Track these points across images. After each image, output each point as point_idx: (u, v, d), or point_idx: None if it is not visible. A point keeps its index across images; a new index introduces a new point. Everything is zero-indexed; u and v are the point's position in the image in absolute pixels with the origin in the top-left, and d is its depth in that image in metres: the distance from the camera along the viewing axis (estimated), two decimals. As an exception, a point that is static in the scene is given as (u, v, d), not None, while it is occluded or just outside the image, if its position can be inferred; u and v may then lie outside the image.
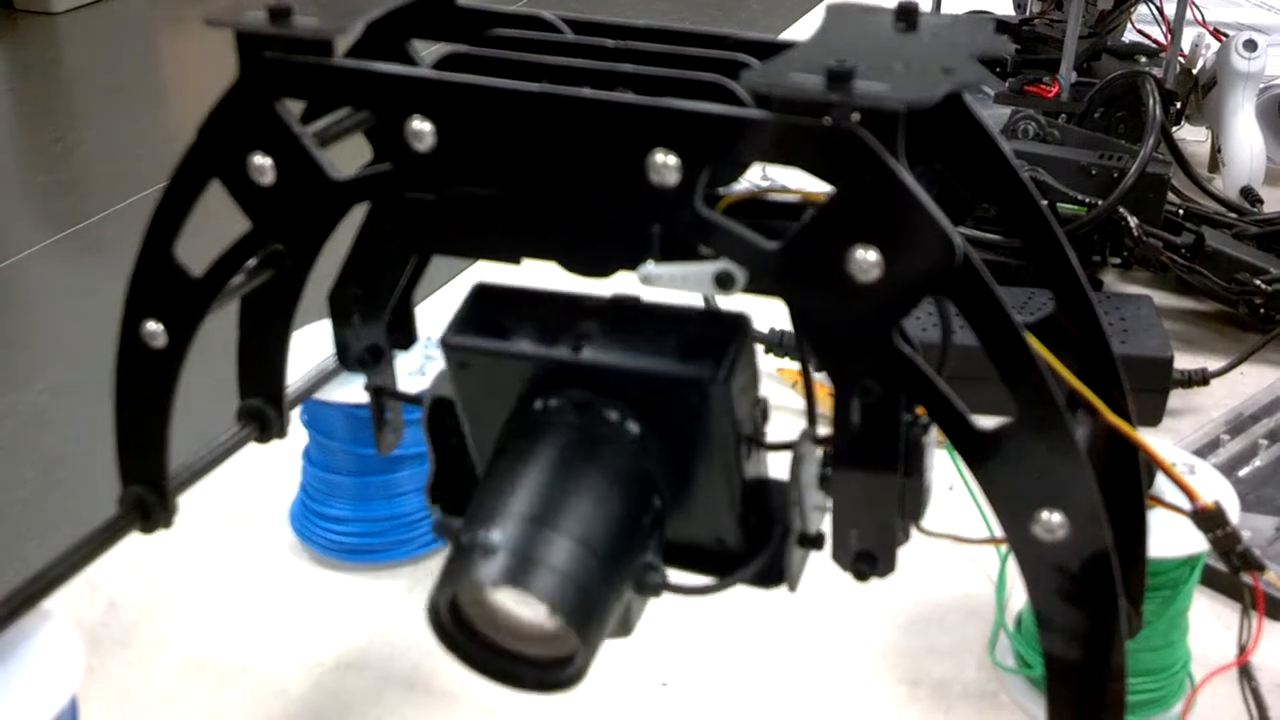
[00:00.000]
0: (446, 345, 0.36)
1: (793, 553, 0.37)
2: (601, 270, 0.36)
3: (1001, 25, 1.01)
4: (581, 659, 0.33)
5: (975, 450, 0.32)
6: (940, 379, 0.32)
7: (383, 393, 0.45)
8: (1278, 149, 0.98)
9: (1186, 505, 0.40)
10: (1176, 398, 0.68)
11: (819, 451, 0.37)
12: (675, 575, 0.36)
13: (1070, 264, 0.38)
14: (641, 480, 0.35)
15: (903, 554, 0.45)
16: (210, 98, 0.37)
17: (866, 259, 0.31)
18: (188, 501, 0.45)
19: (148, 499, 0.44)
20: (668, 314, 0.35)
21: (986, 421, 0.32)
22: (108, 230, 2.58)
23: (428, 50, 0.41)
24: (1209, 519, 0.39)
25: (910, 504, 0.36)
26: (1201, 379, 0.68)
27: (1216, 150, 0.96)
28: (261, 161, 0.36)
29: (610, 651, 0.43)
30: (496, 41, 0.37)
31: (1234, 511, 0.46)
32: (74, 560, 0.43)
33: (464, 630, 0.34)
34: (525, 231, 0.36)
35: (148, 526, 0.44)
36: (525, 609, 0.33)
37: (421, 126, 0.34)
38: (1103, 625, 0.34)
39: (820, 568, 0.48)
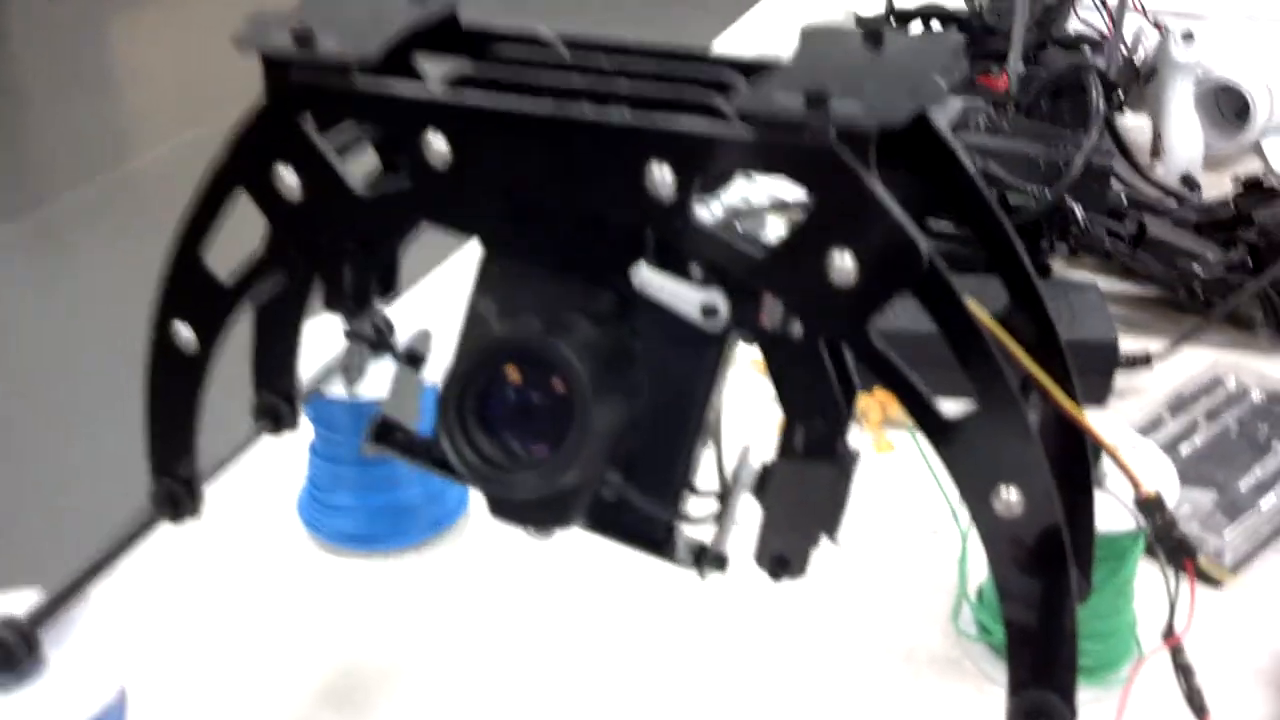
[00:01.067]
0: None
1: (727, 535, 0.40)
2: (599, 270, 0.39)
3: (949, 18, 1.05)
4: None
5: (940, 435, 0.36)
6: (910, 370, 0.36)
7: (356, 336, 0.48)
8: (1215, 136, 1.02)
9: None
10: (1122, 378, 0.72)
11: (754, 464, 0.40)
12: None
13: (1022, 263, 0.41)
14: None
15: (871, 533, 0.49)
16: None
17: (843, 265, 0.35)
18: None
19: (177, 491, 0.47)
20: None
21: (949, 406, 0.36)
22: (60, 220, 2.58)
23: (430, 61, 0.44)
24: (1150, 506, 0.43)
25: (827, 522, 0.40)
26: (1145, 360, 0.73)
27: (1157, 137, 1.00)
28: (287, 175, 0.39)
29: (595, 616, 0.46)
30: (500, 60, 0.40)
31: (1174, 490, 0.51)
32: (113, 551, 0.46)
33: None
34: (531, 229, 0.39)
35: (178, 517, 0.47)
36: None
37: (438, 144, 0.37)
38: (1056, 592, 0.38)
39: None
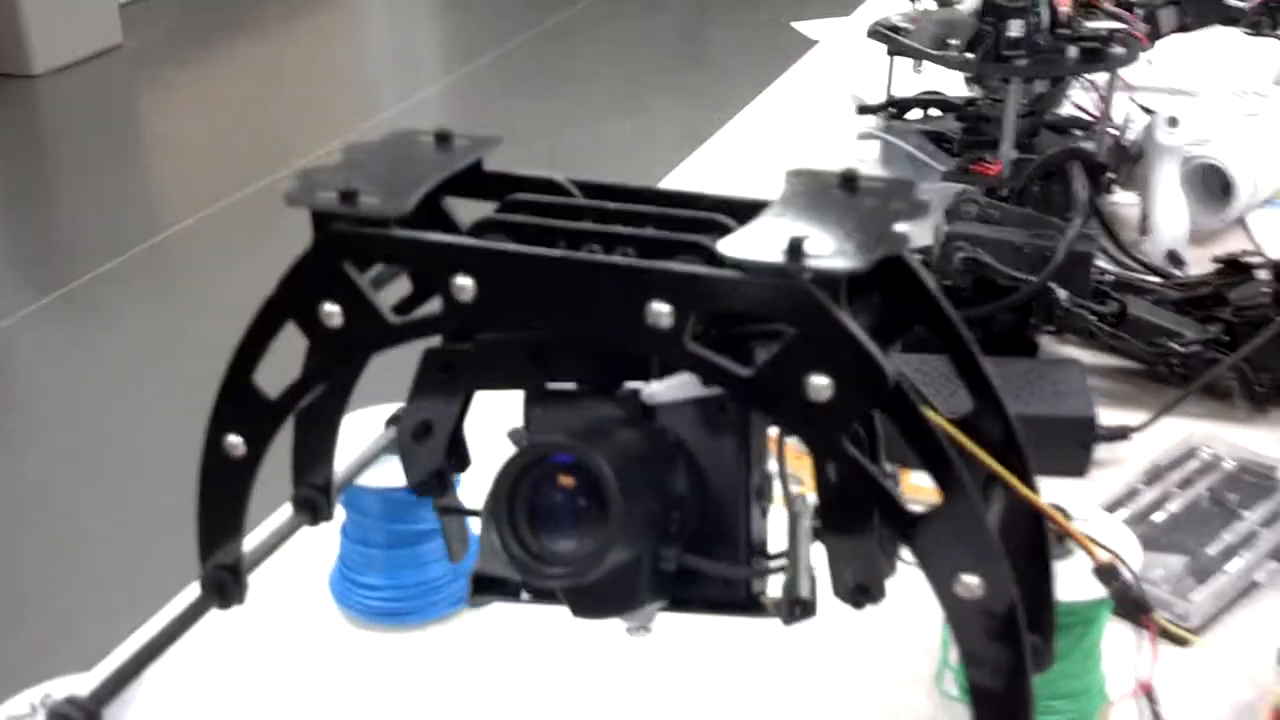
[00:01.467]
0: None
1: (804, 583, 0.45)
2: (610, 389, 0.45)
3: (946, 106, 1.11)
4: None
5: (907, 529, 0.41)
6: (880, 475, 0.41)
7: (449, 510, 0.54)
8: (1202, 212, 1.07)
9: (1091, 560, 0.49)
10: (1102, 450, 0.77)
11: (811, 509, 0.45)
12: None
13: (984, 372, 0.46)
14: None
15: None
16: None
17: (820, 384, 0.40)
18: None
19: (225, 580, 0.52)
20: None
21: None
22: (94, 292, 2.66)
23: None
24: (1106, 573, 0.48)
25: (891, 542, 0.45)
26: (1123, 434, 0.77)
27: (1144, 216, 1.05)
28: (331, 309, 0.45)
29: (607, 683, 0.51)
30: (519, 206, 0.46)
31: (1136, 556, 0.55)
32: (167, 635, 0.51)
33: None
34: (548, 363, 0.45)
35: (225, 604, 0.53)
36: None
37: (464, 283, 0.43)
38: (1015, 660, 0.43)
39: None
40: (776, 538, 0.47)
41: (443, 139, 0.48)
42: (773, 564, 0.46)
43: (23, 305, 2.63)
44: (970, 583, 0.41)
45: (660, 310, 0.41)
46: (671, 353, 0.42)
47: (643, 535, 0.43)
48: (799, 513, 0.45)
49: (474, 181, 0.48)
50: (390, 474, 0.61)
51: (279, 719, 0.60)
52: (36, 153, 3.57)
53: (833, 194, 0.44)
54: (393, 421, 0.63)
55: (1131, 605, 0.49)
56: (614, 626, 0.62)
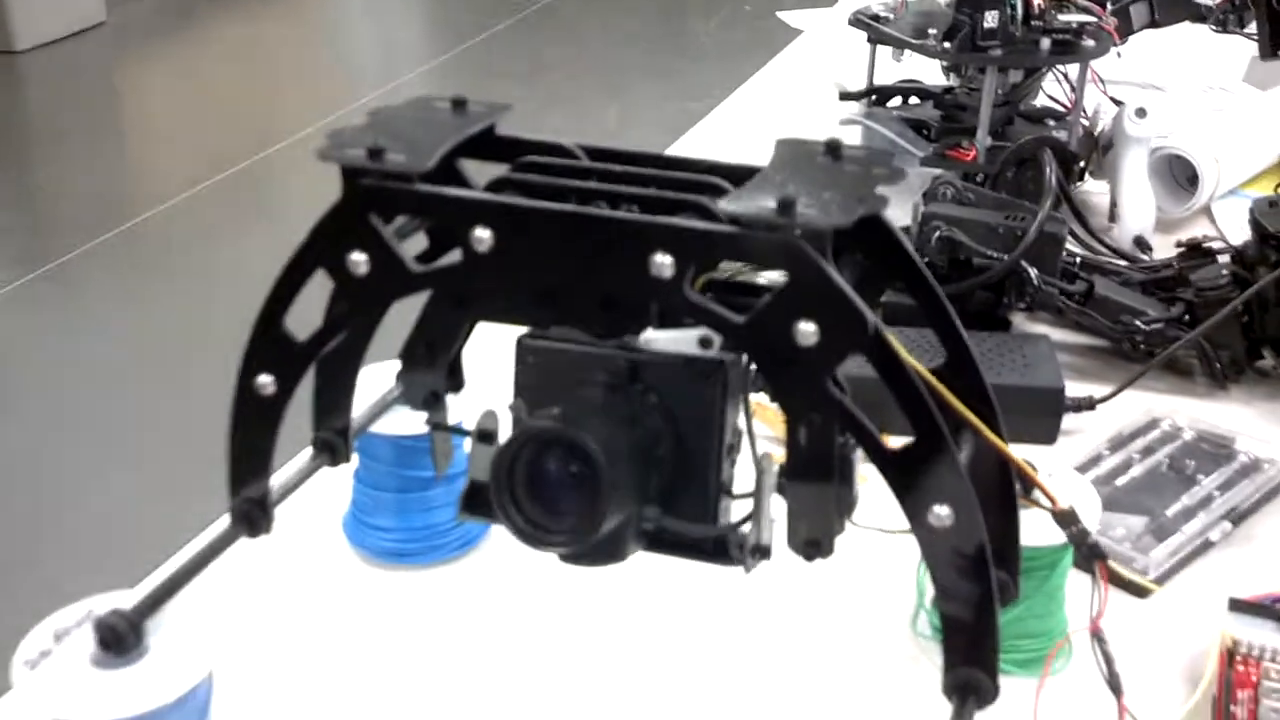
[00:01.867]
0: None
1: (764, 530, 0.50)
2: (613, 336, 0.49)
3: (925, 94, 1.16)
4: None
5: (885, 463, 0.45)
6: (860, 412, 0.45)
7: (439, 427, 0.58)
8: (1169, 201, 1.12)
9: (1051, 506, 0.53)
10: (1070, 420, 0.81)
11: (776, 466, 0.49)
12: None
13: (956, 327, 0.51)
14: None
15: (840, 548, 0.59)
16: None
17: (807, 330, 0.44)
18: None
19: (253, 512, 0.56)
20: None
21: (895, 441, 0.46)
22: (76, 270, 2.68)
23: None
24: (1065, 518, 0.53)
25: (844, 503, 0.49)
26: (1089, 404, 0.82)
27: (1114, 204, 1.10)
28: (358, 258, 0.49)
29: (600, 622, 0.55)
30: (532, 167, 0.50)
31: (1094, 510, 0.60)
32: (199, 560, 0.55)
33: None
34: (556, 307, 0.48)
35: (253, 533, 0.56)
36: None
37: (483, 234, 0.47)
38: (982, 591, 0.47)
39: (770, 568, 0.62)
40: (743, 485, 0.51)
41: (459, 105, 0.52)
42: (738, 521, 0.50)
43: (3, 283, 2.65)
44: (941, 513, 0.46)
45: (663, 262, 0.45)
46: (673, 301, 0.46)
47: (629, 502, 0.47)
48: (764, 470, 0.49)
49: (488, 145, 0.52)
50: (402, 423, 0.65)
51: (296, 643, 0.64)
52: (18, 129, 3.58)
53: (818, 160, 0.48)
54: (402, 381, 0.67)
55: (1086, 550, 0.53)
56: (603, 596, 0.66)
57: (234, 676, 0.61)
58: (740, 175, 0.48)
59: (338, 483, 0.71)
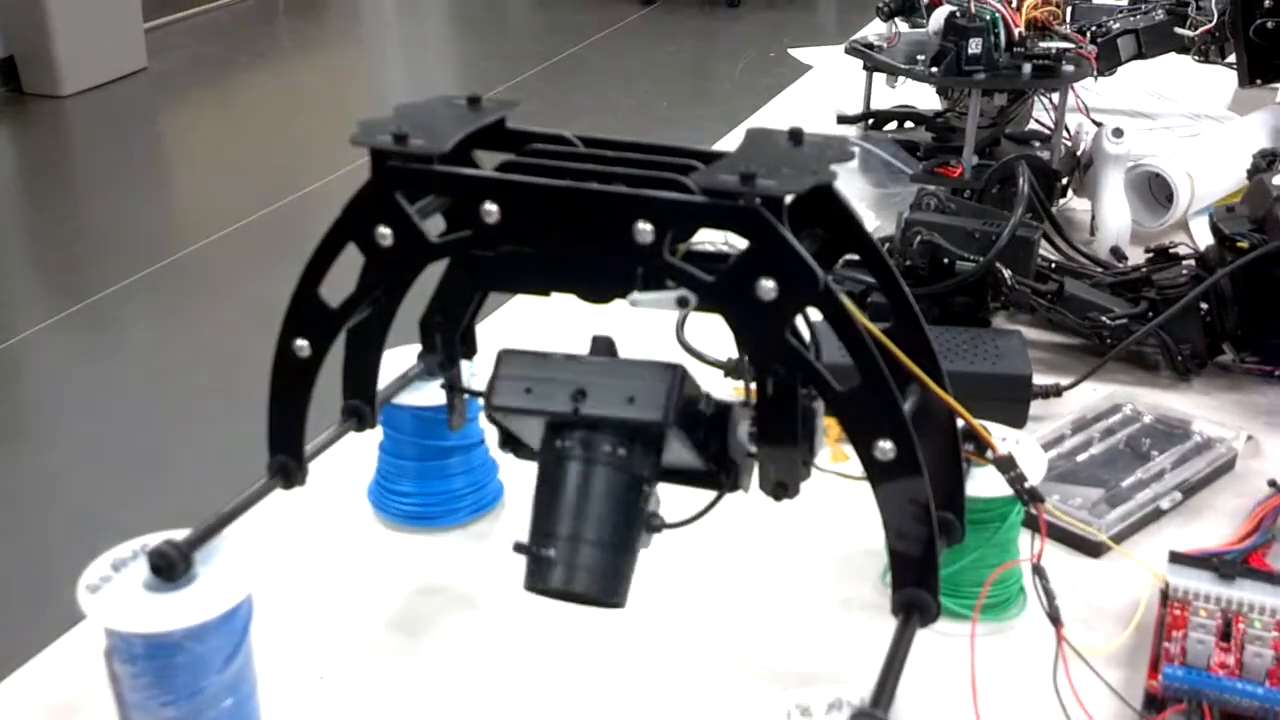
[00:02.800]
0: (491, 408, 0.56)
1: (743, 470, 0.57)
2: (604, 299, 0.56)
3: (918, 118, 1.24)
4: (619, 599, 0.55)
5: (836, 402, 0.52)
6: (815, 360, 0.53)
7: (454, 388, 0.65)
8: (1145, 214, 1.19)
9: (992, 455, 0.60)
10: (1038, 407, 0.88)
11: (747, 417, 0.57)
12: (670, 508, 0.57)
13: (902, 288, 0.58)
14: (633, 481, 0.55)
15: (816, 506, 0.66)
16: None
17: (767, 286, 0.51)
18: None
19: (289, 465, 0.63)
20: (631, 369, 0.55)
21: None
22: (117, 304, 2.78)
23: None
24: (1004, 463, 0.59)
25: (807, 447, 0.56)
26: (1056, 392, 0.89)
27: (1094, 218, 1.17)
28: (384, 231, 0.56)
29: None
30: (535, 152, 0.58)
31: (1040, 469, 0.66)
32: (244, 504, 0.62)
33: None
34: (554, 273, 0.56)
35: (288, 485, 0.64)
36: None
37: (490, 208, 0.54)
38: (924, 519, 0.54)
39: (761, 526, 0.69)
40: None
41: (474, 101, 0.60)
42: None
43: (48, 315, 2.75)
44: (885, 447, 0.53)
45: (644, 229, 0.52)
46: (653, 263, 0.53)
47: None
48: (737, 420, 0.56)
49: (498, 136, 0.60)
50: (423, 395, 0.72)
51: (323, 595, 0.71)
52: (63, 170, 3.71)
53: (782, 145, 0.55)
54: (424, 355, 0.74)
55: (1025, 493, 0.60)
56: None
57: (270, 614, 0.68)
58: (713, 158, 0.56)
59: (364, 460, 0.78)
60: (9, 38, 4.00)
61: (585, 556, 0.54)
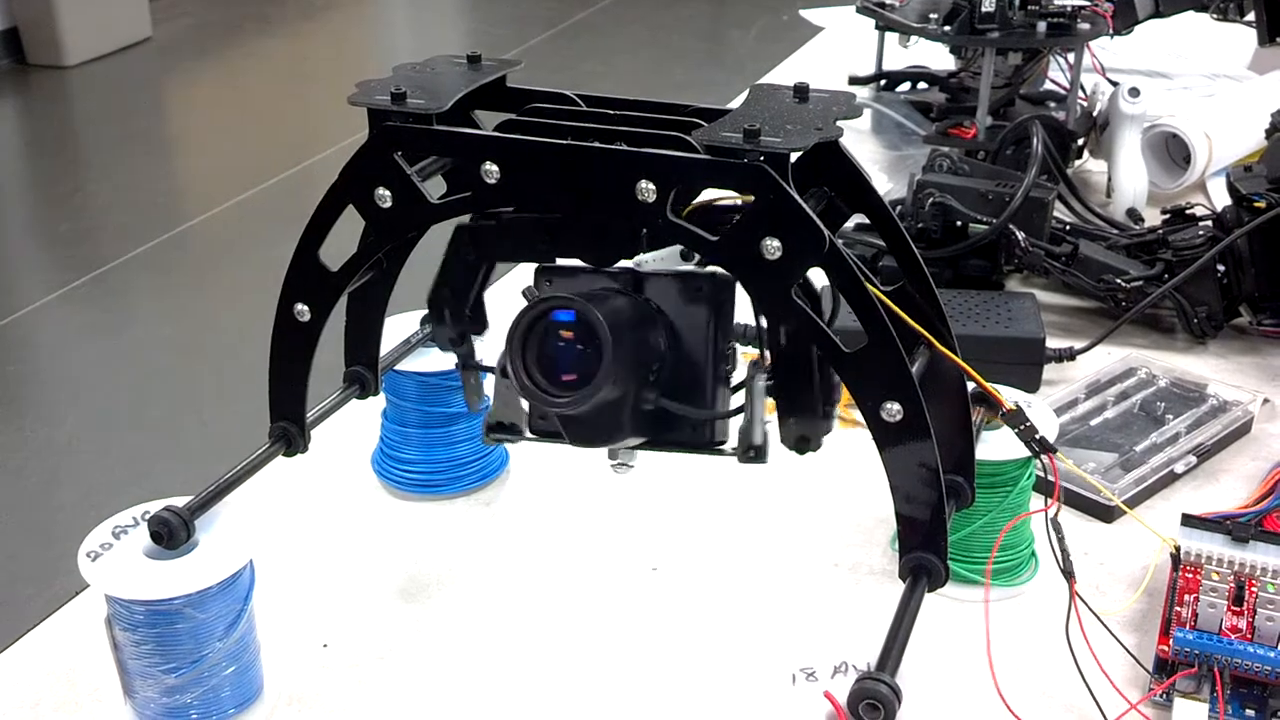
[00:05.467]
0: (548, 300, 0.54)
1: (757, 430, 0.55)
2: (608, 262, 0.55)
3: (931, 79, 1.22)
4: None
5: (843, 364, 0.51)
6: (821, 321, 0.51)
7: (468, 365, 0.64)
8: (1162, 176, 1.17)
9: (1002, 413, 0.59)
10: (1051, 370, 0.87)
11: (763, 375, 0.55)
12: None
13: (911, 249, 0.57)
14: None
15: (825, 473, 0.64)
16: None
17: (772, 245, 0.50)
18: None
19: (291, 431, 0.62)
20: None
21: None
22: (123, 276, 2.77)
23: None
24: (1013, 417, 0.58)
25: (826, 398, 0.55)
26: (1070, 355, 0.87)
27: (1110, 180, 1.15)
28: (383, 192, 0.55)
29: (606, 541, 0.61)
30: (535, 111, 0.56)
31: (1051, 431, 0.65)
32: (244, 471, 0.61)
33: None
34: (558, 238, 0.55)
35: (290, 452, 0.63)
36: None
37: (491, 168, 0.53)
38: (932, 481, 0.53)
39: (769, 492, 0.68)
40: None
41: (474, 60, 0.59)
42: (732, 410, 0.56)
43: (56, 287, 2.75)
44: (892, 409, 0.52)
45: (647, 187, 0.51)
46: (656, 223, 0.52)
47: (628, 378, 0.53)
48: (754, 375, 0.55)
49: (499, 95, 0.59)
50: (426, 361, 0.71)
51: (328, 564, 0.70)
52: (68, 142, 3.70)
53: (787, 101, 0.54)
54: (426, 320, 0.73)
55: (1035, 446, 0.59)
56: (608, 519, 0.72)
57: (273, 582, 0.67)
58: (717, 116, 0.54)
59: (368, 428, 0.77)
60: (12, 9, 3.98)
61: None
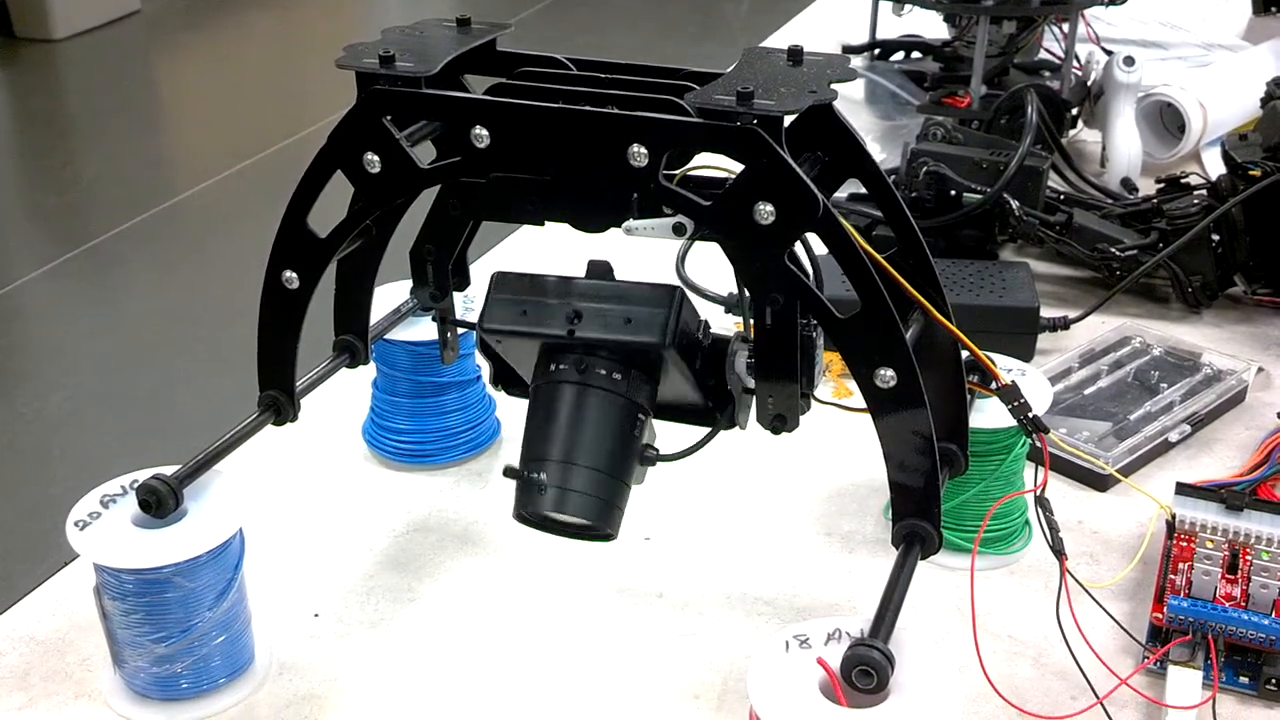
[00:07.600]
0: (484, 330, 0.54)
1: (740, 406, 0.55)
2: (598, 227, 0.54)
3: (925, 48, 1.22)
4: (612, 529, 0.54)
5: (837, 330, 0.51)
6: (814, 288, 0.51)
7: (446, 320, 0.64)
8: (1157, 146, 1.17)
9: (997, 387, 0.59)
10: (1045, 340, 0.86)
11: (745, 349, 0.55)
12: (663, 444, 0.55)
13: (906, 213, 0.56)
14: (629, 408, 0.54)
15: (819, 442, 0.64)
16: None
17: (765, 210, 0.50)
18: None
19: (280, 400, 0.62)
20: (629, 291, 0.53)
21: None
22: (115, 248, 2.76)
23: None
24: (1008, 393, 0.58)
25: (806, 380, 0.55)
26: (1064, 324, 0.87)
27: (1104, 149, 1.15)
28: (372, 157, 0.55)
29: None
30: (526, 75, 0.56)
31: (1045, 400, 0.65)
32: (231, 439, 0.61)
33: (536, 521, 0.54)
34: (547, 201, 0.54)
35: (279, 421, 0.63)
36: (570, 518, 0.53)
37: (481, 132, 0.53)
38: (926, 448, 0.53)
39: (764, 461, 0.68)
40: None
41: (463, 23, 0.58)
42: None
43: (45, 261, 2.73)
44: (886, 375, 0.51)
45: (639, 151, 0.51)
46: (647, 188, 0.51)
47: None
48: (735, 351, 0.55)
49: (489, 59, 0.58)
50: (417, 331, 0.71)
51: (320, 535, 0.70)
52: (58, 115, 3.67)
53: (780, 65, 0.53)
54: (415, 288, 0.73)
55: (1028, 423, 0.58)
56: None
57: (264, 551, 0.67)
58: (710, 80, 0.54)
59: (358, 397, 0.77)
60: (-2, -19, 3.94)
61: (578, 482, 0.53)
